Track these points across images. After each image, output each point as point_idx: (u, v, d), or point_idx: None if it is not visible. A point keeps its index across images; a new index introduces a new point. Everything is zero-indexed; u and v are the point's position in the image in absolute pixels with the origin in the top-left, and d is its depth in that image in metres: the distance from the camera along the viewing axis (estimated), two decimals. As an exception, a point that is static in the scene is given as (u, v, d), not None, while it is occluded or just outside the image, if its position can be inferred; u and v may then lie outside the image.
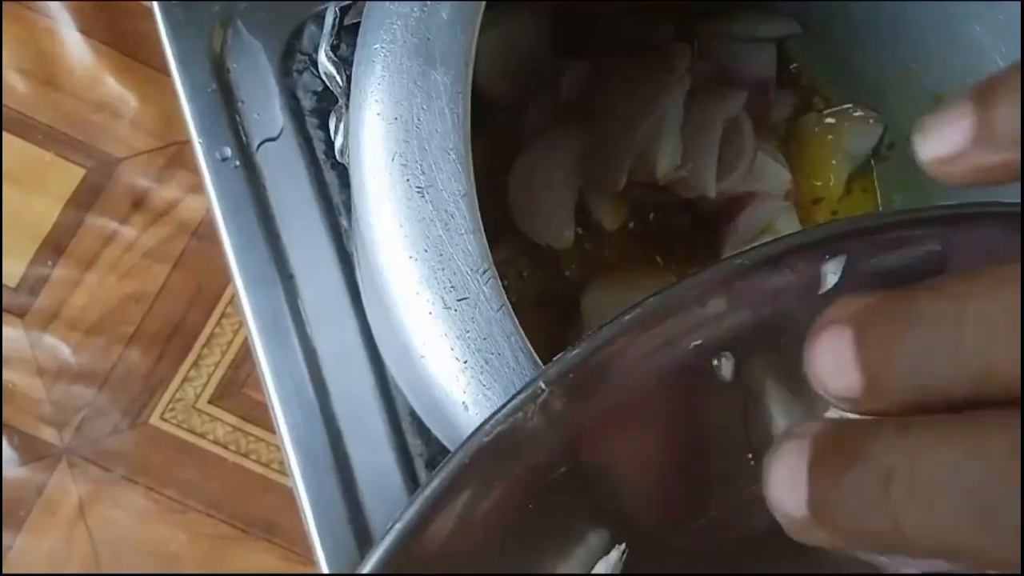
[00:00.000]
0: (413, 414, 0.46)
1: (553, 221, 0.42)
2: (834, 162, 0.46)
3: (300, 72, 0.48)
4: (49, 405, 0.64)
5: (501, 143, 0.45)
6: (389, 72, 0.25)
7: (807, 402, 0.21)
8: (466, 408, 0.25)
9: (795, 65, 0.47)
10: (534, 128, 0.44)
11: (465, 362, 0.24)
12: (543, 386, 0.20)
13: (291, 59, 0.49)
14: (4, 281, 0.65)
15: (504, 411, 0.20)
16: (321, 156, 0.48)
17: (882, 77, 0.44)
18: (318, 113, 0.48)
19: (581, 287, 0.44)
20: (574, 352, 0.20)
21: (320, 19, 0.48)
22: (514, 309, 0.25)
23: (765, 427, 0.21)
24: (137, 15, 0.68)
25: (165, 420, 0.65)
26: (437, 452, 0.46)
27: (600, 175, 0.42)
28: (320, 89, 0.48)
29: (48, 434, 0.64)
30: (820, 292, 0.21)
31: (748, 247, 0.22)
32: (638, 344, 0.20)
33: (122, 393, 0.65)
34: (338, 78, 0.28)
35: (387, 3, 0.25)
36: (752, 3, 0.46)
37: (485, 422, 0.20)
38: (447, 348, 0.24)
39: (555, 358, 0.20)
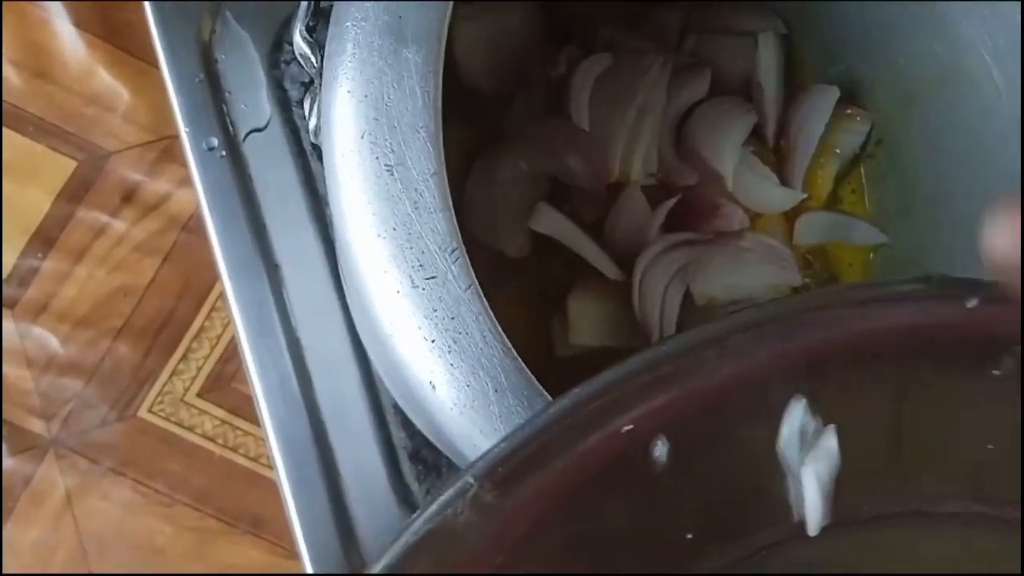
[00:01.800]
0: (397, 407, 0.46)
1: (506, 227, 0.42)
2: (823, 160, 0.45)
3: (288, 63, 0.48)
4: (37, 397, 0.64)
5: (486, 134, 0.45)
6: (360, 50, 0.25)
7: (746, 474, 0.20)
8: (433, 388, 0.24)
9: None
10: (518, 120, 0.44)
11: (432, 341, 0.24)
12: (471, 480, 0.19)
13: (279, 50, 0.49)
14: (-6, 272, 0.65)
15: (432, 509, 0.19)
16: (308, 147, 0.48)
17: (869, 74, 0.44)
18: (304, 104, 0.48)
19: (570, 278, 0.44)
20: (502, 445, 0.19)
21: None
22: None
23: (702, 506, 0.21)
24: (131, 9, 0.68)
25: (153, 413, 0.65)
26: (421, 445, 0.46)
27: (586, 170, 0.42)
28: (307, 80, 0.48)
29: (36, 425, 0.64)
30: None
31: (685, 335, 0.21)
32: (568, 432, 0.20)
33: (110, 386, 0.65)
34: (312, 59, 0.28)
35: (359, -19, 0.25)
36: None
37: (413, 520, 0.19)
38: (415, 327, 0.24)
39: (482, 452, 0.20)
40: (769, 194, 0.45)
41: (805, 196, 0.45)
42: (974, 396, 0.21)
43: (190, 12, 0.48)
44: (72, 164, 0.66)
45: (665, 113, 0.44)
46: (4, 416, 0.64)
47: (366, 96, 0.25)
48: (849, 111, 0.46)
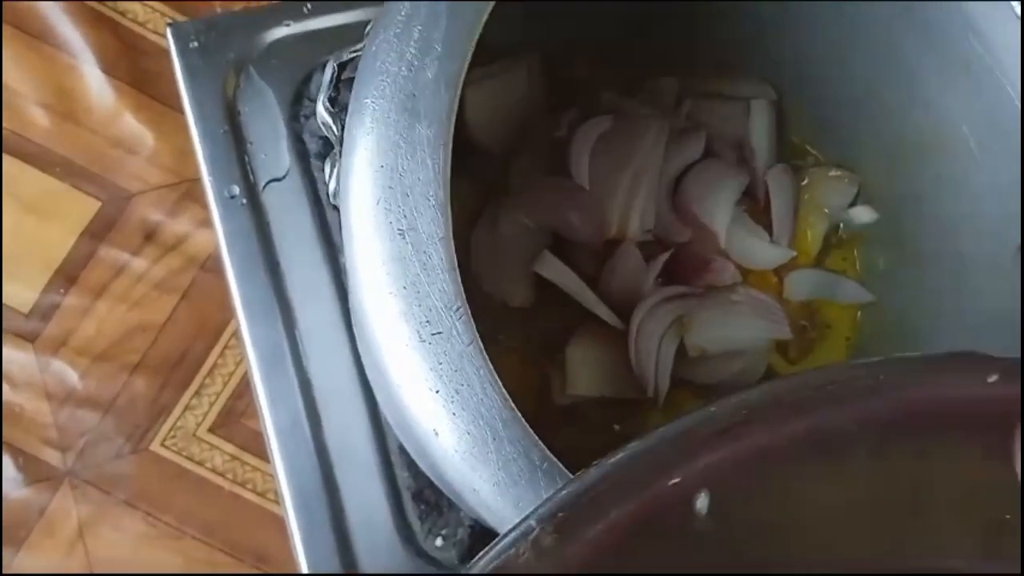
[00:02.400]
0: (402, 448, 0.48)
1: (508, 278, 0.44)
2: (812, 219, 0.48)
3: (307, 117, 0.51)
4: (55, 429, 0.66)
5: (493, 189, 0.47)
6: (378, 124, 0.27)
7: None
8: (437, 435, 0.26)
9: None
10: (524, 174, 0.47)
11: (437, 392, 0.26)
12: (534, 524, 0.21)
13: (299, 104, 0.51)
14: (17, 307, 0.67)
15: (497, 548, 0.21)
16: (324, 197, 0.50)
17: (856, 138, 0.47)
18: (323, 156, 0.51)
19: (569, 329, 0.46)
20: (563, 492, 0.21)
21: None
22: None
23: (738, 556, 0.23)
24: (157, 56, 0.71)
25: (166, 447, 0.67)
26: (424, 486, 0.48)
27: (585, 226, 0.44)
28: (325, 137, 0.51)
29: (52, 457, 0.66)
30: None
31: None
32: (623, 483, 0.22)
33: (126, 419, 0.67)
34: (334, 127, 0.31)
35: (378, 62, 0.28)
36: (732, 65, 0.48)
37: (480, 557, 0.21)
38: (421, 378, 0.26)
39: (546, 497, 0.22)
40: (760, 251, 0.47)
41: (794, 254, 0.47)
42: (992, 468, 0.23)
43: (216, 67, 0.51)
44: (96, 204, 0.68)
45: (662, 173, 0.46)
46: (22, 447, 0.66)
47: (382, 166, 0.27)
48: (837, 172, 0.48)
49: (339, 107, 0.31)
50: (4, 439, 0.66)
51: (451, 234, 0.27)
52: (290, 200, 0.51)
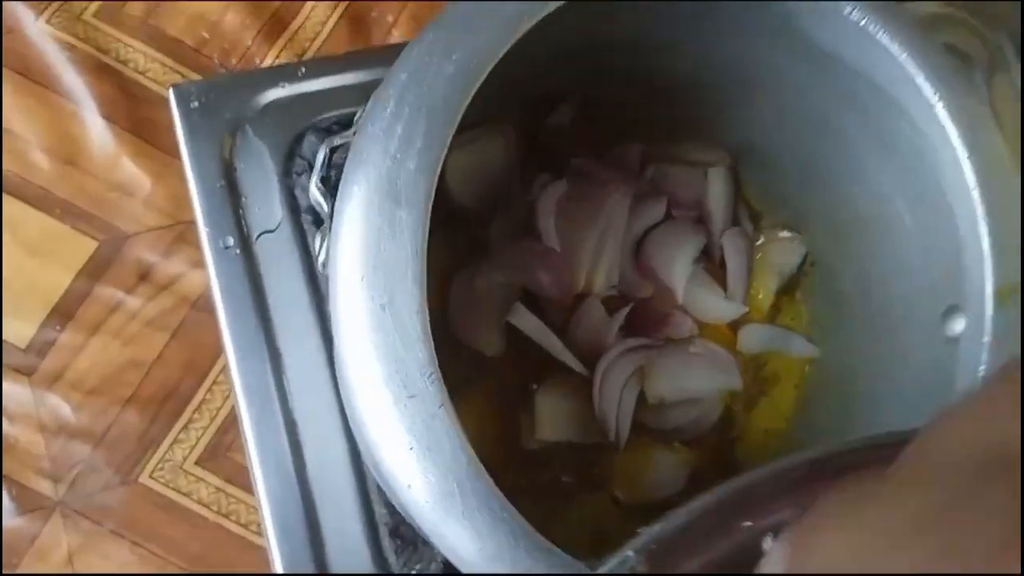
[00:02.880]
0: (379, 487, 0.51)
1: (483, 330, 0.47)
2: (764, 278, 0.52)
3: (299, 174, 0.54)
4: (48, 460, 0.69)
5: (470, 245, 0.51)
6: (363, 209, 0.31)
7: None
8: (409, 487, 0.30)
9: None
10: (500, 234, 0.51)
11: (411, 448, 0.30)
12: (630, 554, 0.25)
13: (291, 162, 0.55)
14: (15, 343, 0.70)
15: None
16: (313, 249, 0.54)
17: (804, 205, 0.51)
18: (312, 211, 0.54)
19: (538, 377, 0.49)
20: (656, 529, 0.26)
21: (319, 130, 0.55)
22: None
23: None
24: (155, 104, 0.75)
25: (154, 479, 0.70)
26: (400, 523, 0.51)
27: (554, 284, 0.48)
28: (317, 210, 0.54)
29: (45, 487, 0.69)
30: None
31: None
32: (706, 525, 0.26)
33: (116, 452, 0.70)
34: (324, 206, 0.34)
35: (365, 153, 0.31)
36: (692, 135, 0.52)
37: None
38: (397, 436, 0.30)
39: (641, 531, 0.26)
40: (715, 306, 0.51)
41: (746, 309, 0.51)
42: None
43: (214, 126, 0.55)
44: (93, 244, 0.71)
45: (626, 233, 0.50)
46: (16, 478, 0.68)
47: (366, 247, 0.31)
48: (787, 234, 0.52)
49: (330, 186, 0.35)
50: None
51: (426, 307, 0.31)
52: (281, 251, 0.54)
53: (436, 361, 0.30)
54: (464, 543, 0.30)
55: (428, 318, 0.31)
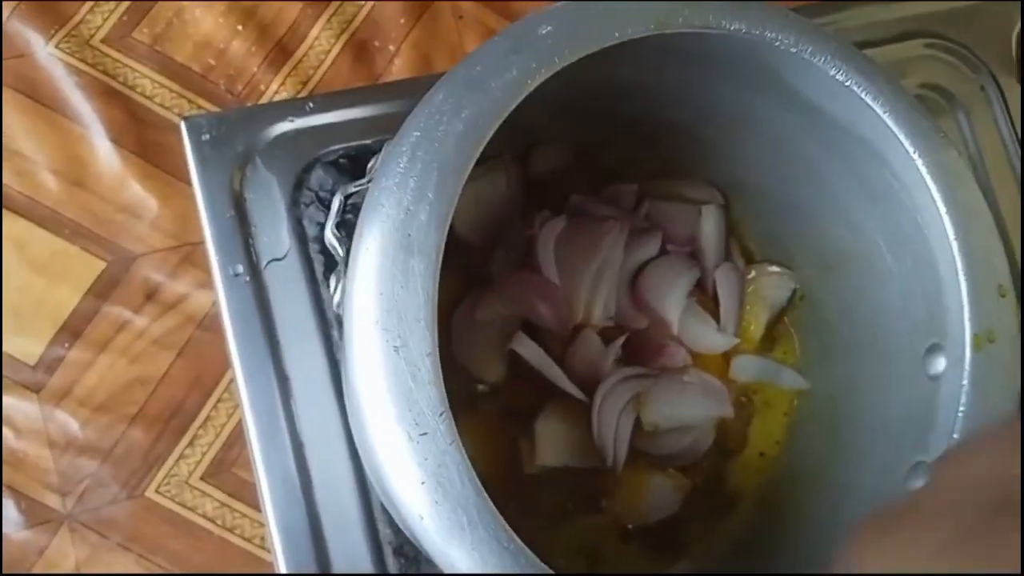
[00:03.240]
0: (384, 507, 0.53)
1: (484, 357, 0.49)
2: (755, 310, 0.54)
3: (307, 205, 0.56)
4: (56, 475, 0.71)
5: (472, 277, 0.53)
6: (377, 258, 0.33)
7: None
8: (421, 519, 0.32)
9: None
10: (501, 266, 0.53)
11: (423, 483, 0.32)
12: None
13: (300, 192, 0.57)
14: (24, 359, 0.72)
15: None
16: (320, 276, 0.56)
17: (792, 241, 0.53)
18: (319, 240, 0.56)
19: (537, 404, 0.51)
20: None
21: (326, 163, 0.57)
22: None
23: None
24: (163, 128, 0.76)
25: (160, 493, 0.72)
26: (404, 542, 0.53)
27: (553, 316, 0.50)
28: (323, 220, 0.56)
29: (53, 500, 0.70)
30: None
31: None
32: None
33: (123, 467, 0.71)
34: (339, 250, 0.36)
35: (380, 205, 0.34)
36: (686, 174, 0.55)
37: None
38: (410, 471, 0.32)
39: None
40: (709, 338, 0.53)
41: (738, 341, 0.53)
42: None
43: (225, 158, 0.56)
44: (101, 264, 0.73)
45: (622, 267, 0.52)
46: (24, 491, 0.70)
47: (381, 293, 0.33)
48: (777, 269, 0.54)
49: (344, 232, 0.37)
50: (8, 484, 0.70)
51: (437, 351, 0.33)
52: (289, 278, 0.56)
53: (447, 402, 0.32)
54: (472, 571, 0.32)
55: (439, 361, 0.33)
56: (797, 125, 0.46)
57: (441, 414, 0.32)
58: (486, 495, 0.32)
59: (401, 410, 0.32)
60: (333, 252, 0.37)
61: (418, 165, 0.34)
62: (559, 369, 0.50)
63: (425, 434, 0.32)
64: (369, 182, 0.36)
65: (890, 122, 0.41)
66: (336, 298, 0.36)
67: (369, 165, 0.38)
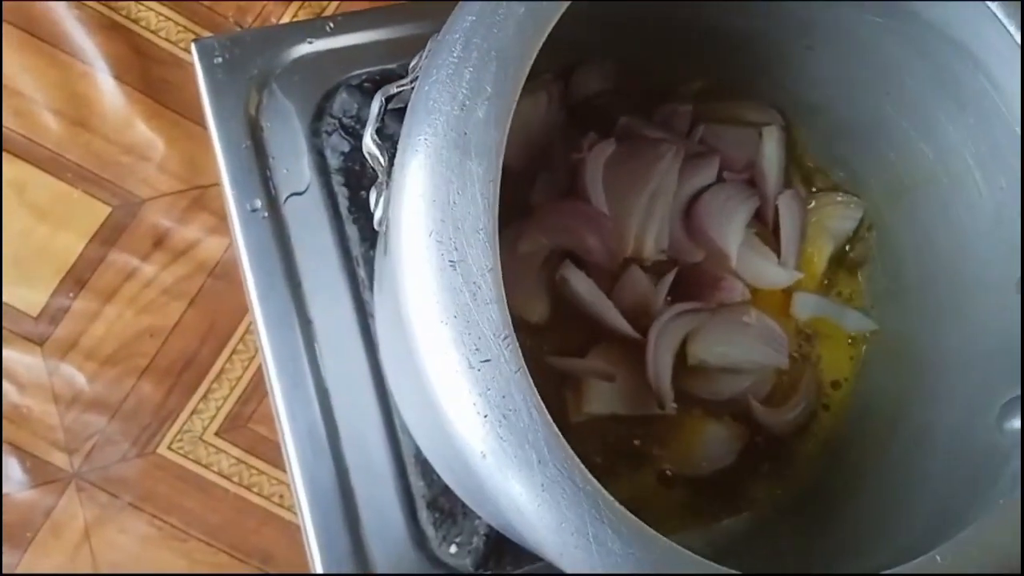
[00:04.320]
0: (417, 456, 0.49)
1: (526, 294, 0.45)
2: (818, 242, 0.50)
3: (329, 133, 0.52)
4: (62, 431, 0.67)
5: (511, 207, 0.48)
6: (430, 160, 0.29)
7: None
8: (484, 456, 0.28)
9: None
10: (544, 194, 0.48)
11: (485, 416, 0.28)
12: None
13: (320, 120, 0.53)
14: (26, 310, 0.68)
15: None
16: (344, 211, 0.52)
17: (862, 165, 0.49)
18: (343, 172, 0.52)
19: (583, 348, 0.47)
20: None
21: (350, 87, 0.52)
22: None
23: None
24: (170, 64, 0.72)
25: (173, 450, 0.68)
26: (439, 494, 0.49)
27: (603, 248, 0.46)
28: (347, 150, 0.52)
29: (59, 459, 0.67)
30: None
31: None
32: None
33: (133, 423, 0.68)
34: (381, 159, 0.32)
35: (431, 101, 0.29)
36: (744, 91, 0.50)
37: None
38: (470, 403, 0.28)
39: None
40: (769, 272, 0.49)
41: (801, 276, 0.49)
42: None
43: (239, 83, 0.52)
44: (107, 209, 0.69)
45: (676, 196, 0.48)
46: (29, 449, 0.66)
47: (434, 201, 0.29)
48: (842, 198, 0.50)
49: (385, 139, 0.32)
50: (12, 441, 0.66)
51: (499, 265, 0.29)
52: (310, 214, 0.52)
53: (511, 323, 0.28)
54: (543, 516, 0.28)
55: (501, 277, 0.29)
56: (878, 29, 0.41)
57: (505, 338, 0.28)
58: (557, 430, 0.28)
59: (459, 333, 0.28)
60: (372, 162, 0.32)
61: (474, 54, 0.29)
62: (610, 302, 0.45)
63: (487, 360, 0.28)
64: (413, 82, 0.32)
65: (991, 17, 0.36)
66: (378, 215, 0.32)
67: (412, 63, 0.33)
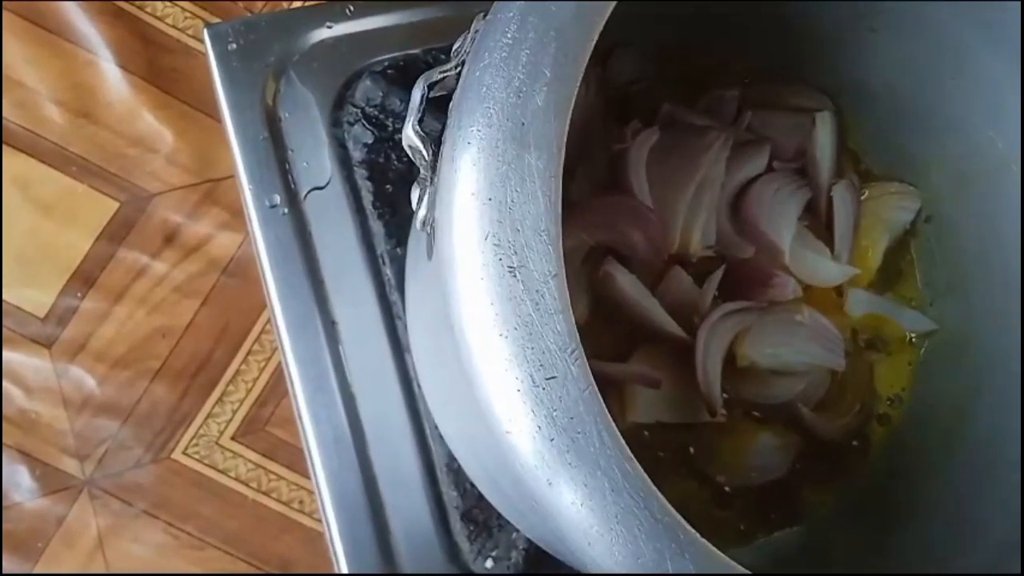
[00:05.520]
0: (450, 465, 0.47)
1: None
2: (873, 235, 0.47)
3: (351, 124, 0.49)
4: (72, 437, 0.64)
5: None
6: (484, 154, 0.26)
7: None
8: (550, 485, 0.25)
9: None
10: (583, 188, 0.45)
11: (552, 440, 0.25)
12: None
13: (341, 110, 0.50)
14: (32, 311, 0.65)
15: None
16: (368, 206, 0.49)
17: (922, 153, 0.46)
18: (367, 164, 0.49)
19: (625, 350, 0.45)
20: None
21: (373, 73, 0.49)
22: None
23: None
24: (178, 52, 0.69)
25: (188, 455, 0.65)
26: (473, 504, 0.47)
27: (648, 244, 0.43)
28: (370, 141, 0.49)
29: (70, 466, 0.64)
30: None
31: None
32: None
33: (146, 427, 0.65)
34: (425, 153, 0.29)
35: (484, 88, 0.26)
36: (793, 75, 0.47)
37: None
38: (535, 426, 0.25)
39: None
40: (823, 268, 0.46)
41: (857, 271, 0.46)
42: None
43: (255, 71, 0.49)
44: (114, 205, 0.66)
45: (724, 187, 0.45)
46: (39, 456, 0.64)
47: (490, 199, 0.26)
48: (897, 188, 0.47)
49: (427, 129, 0.30)
50: (20, 448, 0.64)
51: (564, 272, 0.26)
52: (333, 209, 0.49)
53: (578, 336, 0.25)
54: (617, 551, 0.25)
55: (566, 285, 0.26)
56: (949, 11, 0.38)
57: (572, 352, 0.25)
58: (631, 455, 0.25)
59: (520, 347, 0.25)
60: (413, 155, 0.29)
61: (530, 34, 0.26)
62: (655, 301, 0.43)
63: (552, 378, 0.25)
64: (457, 68, 0.29)
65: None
66: (421, 214, 0.29)
67: (455, 47, 0.30)
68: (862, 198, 0.48)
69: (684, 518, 0.46)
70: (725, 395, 0.44)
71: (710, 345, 0.43)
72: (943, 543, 0.39)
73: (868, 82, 0.45)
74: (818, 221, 0.47)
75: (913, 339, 0.47)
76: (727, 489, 0.46)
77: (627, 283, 0.42)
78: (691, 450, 0.46)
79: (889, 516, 0.44)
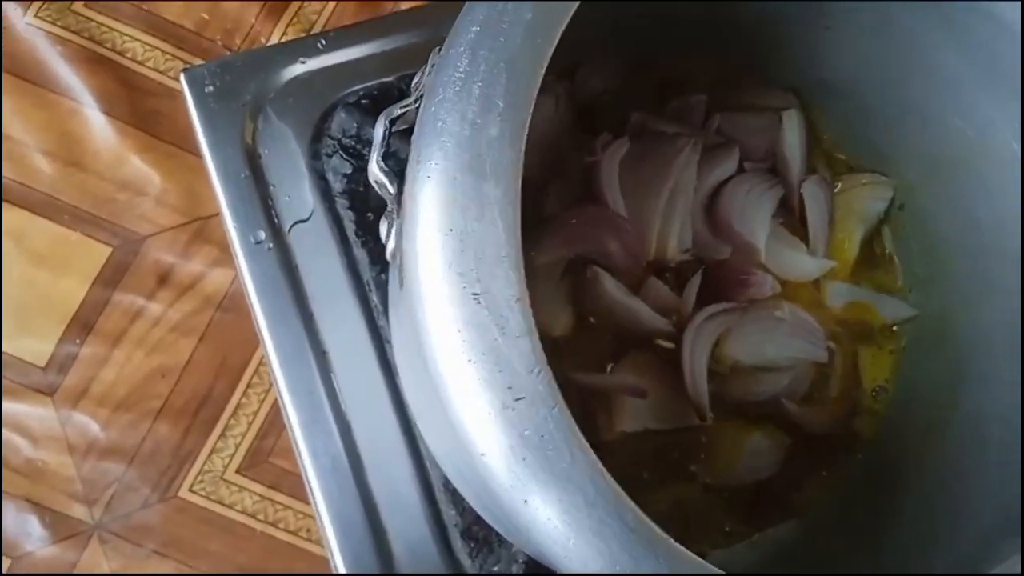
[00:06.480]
0: (447, 485, 0.47)
1: (548, 308, 0.43)
2: (848, 227, 0.47)
3: (329, 156, 0.50)
4: (80, 482, 0.65)
5: (525, 218, 0.46)
6: (442, 187, 0.27)
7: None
8: (526, 503, 0.26)
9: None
10: (558, 202, 0.46)
11: (524, 459, 0.26)
12: None
13: (319, 143, 0.50)
14: (33, 361, 0.66)
15: None
16: (351, 235, 0.50)
17: (891, 145, 0.46)
18: (348, 195, 0.50)
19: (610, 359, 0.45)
20: None
21: (348, 105, 0.50)
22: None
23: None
24: (159, 95, 0.70)
25: (194, 492, 0.66)
26: (472, 522, 0.47)
27: (625, 253, 0.43)
28: (349, 171, 0.50)
29: (79, 511, 0.65)
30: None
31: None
32: None
33: (151, 467, 0.66)
34: (389, 186, 0.30)
35: (439, 123, 0.27)
36: (759, 75, 0.48)
37: None
38: (507, 447, 0.26)
39: None
40: (799, 264, 0.46)
41: (834, 264, 0.47)
42: None
43: (233, 110, 0.50)
44: (107, 250, 0.67)
45: (697, 191, 0.45)
46: (47, 504, 0.65)
47: (451, 230, 0.26)
48: (869, 178, 0.47)
49: (391, 161, 0.30)
50: (29, 497, 0.64)
51: (526, 294, 0.26)
52: (317, 241, 0.50)
53: (544, 357, 0.26)
54: (595, 561, 0.26)
55: (530, 307, 0.26)
56: (896, 6, 0.39)
57: (539, 372, 0.26)
58: (602, 467, 0.26)
59: (489, 372, 0.26)
60: (381, 190, 0.30)
61: (481, 67, 0.27)
62: (643, 304, 0.43)
63: (522, 399, 0.26)
64: (417, 101, 0.30)
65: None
66: (390, 247, 0.30)
67: (414, 81, 0.31)
68: (835, 191, 0.48)
69: (678, 520, 0.47)
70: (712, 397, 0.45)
71: (695, 349, 0.44)
72: (930, 534, 0.39)
73: (830, 79, 0.46)
74: (793, 218, 0.47)
75: (895, 327, 0.47)
76: (720, 490, 0.47)
77: (612, 286, 0.43)
78: (682, 453, 0.46)
79: (879, 508, 0.45)
